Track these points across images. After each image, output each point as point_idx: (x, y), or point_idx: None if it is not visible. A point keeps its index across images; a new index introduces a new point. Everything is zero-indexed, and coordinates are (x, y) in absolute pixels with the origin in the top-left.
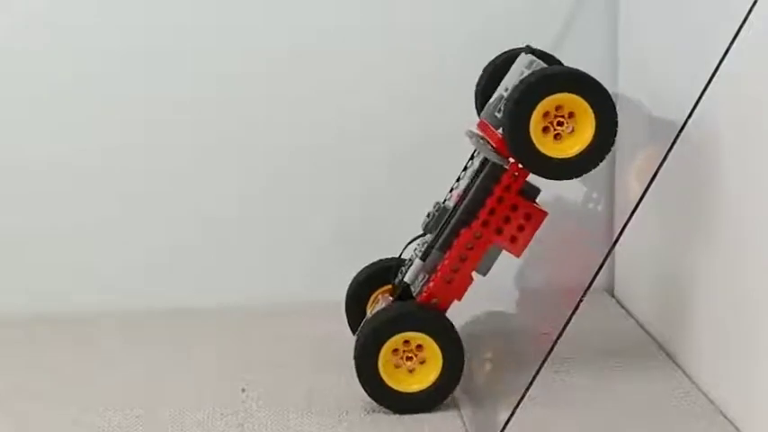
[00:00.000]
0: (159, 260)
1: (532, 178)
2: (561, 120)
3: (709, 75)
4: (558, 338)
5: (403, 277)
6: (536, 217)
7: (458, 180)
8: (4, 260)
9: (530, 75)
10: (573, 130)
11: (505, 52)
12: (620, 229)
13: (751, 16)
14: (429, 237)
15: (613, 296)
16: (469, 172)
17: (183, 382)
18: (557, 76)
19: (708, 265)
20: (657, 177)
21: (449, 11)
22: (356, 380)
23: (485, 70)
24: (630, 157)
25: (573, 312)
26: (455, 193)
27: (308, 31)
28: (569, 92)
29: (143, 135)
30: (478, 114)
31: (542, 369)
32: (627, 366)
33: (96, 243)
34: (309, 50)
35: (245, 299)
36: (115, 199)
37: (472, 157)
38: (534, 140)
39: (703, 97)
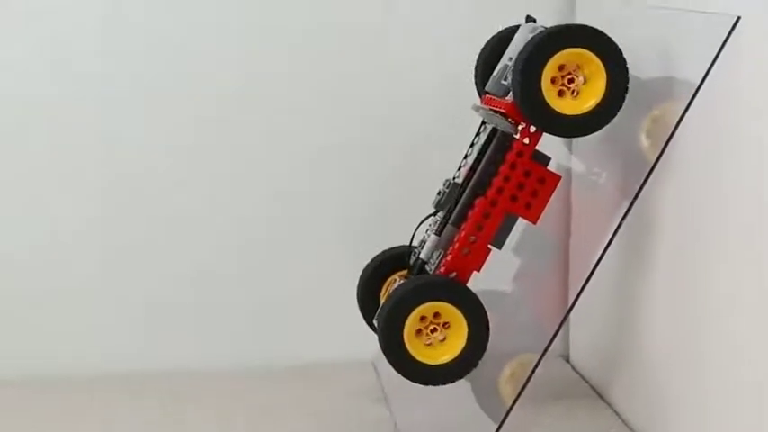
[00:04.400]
0: (158, 319)
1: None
2: (572, 77)
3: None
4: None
5: (418, 256)
6: (550, 181)
7: (465, 157)
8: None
9: (536, 35)
10: (585, 82)
11: (500, 32)
12: (574, 296)
13: None
14: (441, 215)
15: (568, 362)
16: (477, 147)
17: None
18: (562, 33)
19: (661, 328)
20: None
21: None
22: None
23: (483, 50)
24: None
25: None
26: (464, 169)
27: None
28: (577, 46)
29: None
30: (479, 94)
31: None
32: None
33: (94, 304)
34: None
35: (242, 361)
36: (112, 254)
37: (478, 134)
38: (547, 99)
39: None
